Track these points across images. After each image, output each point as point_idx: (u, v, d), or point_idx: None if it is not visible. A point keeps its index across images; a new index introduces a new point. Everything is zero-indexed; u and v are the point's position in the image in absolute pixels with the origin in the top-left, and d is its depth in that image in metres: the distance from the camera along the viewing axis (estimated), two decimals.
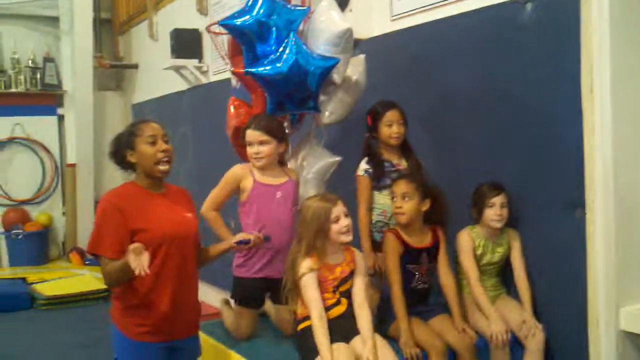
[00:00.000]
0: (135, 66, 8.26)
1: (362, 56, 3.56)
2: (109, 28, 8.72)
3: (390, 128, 3.28)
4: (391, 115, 3.28)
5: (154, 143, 2.55)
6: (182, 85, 6.59)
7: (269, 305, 3.33)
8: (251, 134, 3.14)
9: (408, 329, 2.86)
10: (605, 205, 2.76)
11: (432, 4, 3.57)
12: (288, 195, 3.20)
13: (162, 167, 2.57)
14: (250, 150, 3.16)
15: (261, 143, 3.13)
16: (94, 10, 7.91)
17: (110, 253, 2.43)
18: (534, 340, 2.91)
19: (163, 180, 2.65)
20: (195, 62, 6.21)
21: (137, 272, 2.23)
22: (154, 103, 7.54)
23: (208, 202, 3.21)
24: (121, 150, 2.60)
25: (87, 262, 7.48)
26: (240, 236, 2.87)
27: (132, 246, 2.27)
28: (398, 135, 3.30)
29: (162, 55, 6.69)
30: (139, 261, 2.24)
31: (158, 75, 7.03)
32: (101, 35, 8.38)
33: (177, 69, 6.38)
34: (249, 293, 3.21)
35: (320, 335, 2.60)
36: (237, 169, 3.24)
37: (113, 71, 8.58)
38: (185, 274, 2.61)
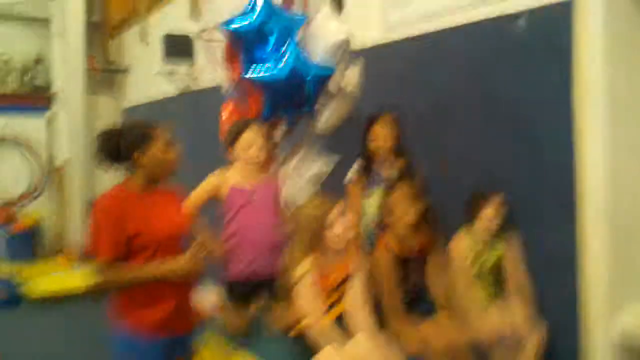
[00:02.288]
0: (126, 70, 8.24)
1: (357, 66, 3.58)
2: (100, 31, 8.67)
3: (374, 142, 3.34)
4: (374, 129, 3.35)
5: (169, 150, 2.58)
6: (172, 91, 6.58)
7: (262, 304, 3.35)
8: (255, 137, 3.23)
9: (404, 332, 2.88)
10: (600, 215, 2.79)
11: (427, 14, 3.60)
12: (267, 197, 3.27)
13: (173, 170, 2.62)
14: (251, 152, 3.23)
15: (261, 144, 3.24)
16: (85, 13, 7.89)
17: (110, 258, 2.44)
18: (530, 343, 2.92)
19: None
20: (186, 67, 6.22)
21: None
22: (145, 108, 7.51)
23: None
24: (131, 148, 2.53)
25: (79, 262, 7.41)
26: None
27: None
28: (379, 146, 3.34)
29: (153, 60, 6.68)
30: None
31: (149, 79, 7.01)
32: (92, 38, 8.34)
33: (168, 74, 6.37)
34: (237, 293, 3.28)
35: (326, 337, 2.60)
36: (213, 178, 3.30)
37: (104, 75, 8.53)
38: None
